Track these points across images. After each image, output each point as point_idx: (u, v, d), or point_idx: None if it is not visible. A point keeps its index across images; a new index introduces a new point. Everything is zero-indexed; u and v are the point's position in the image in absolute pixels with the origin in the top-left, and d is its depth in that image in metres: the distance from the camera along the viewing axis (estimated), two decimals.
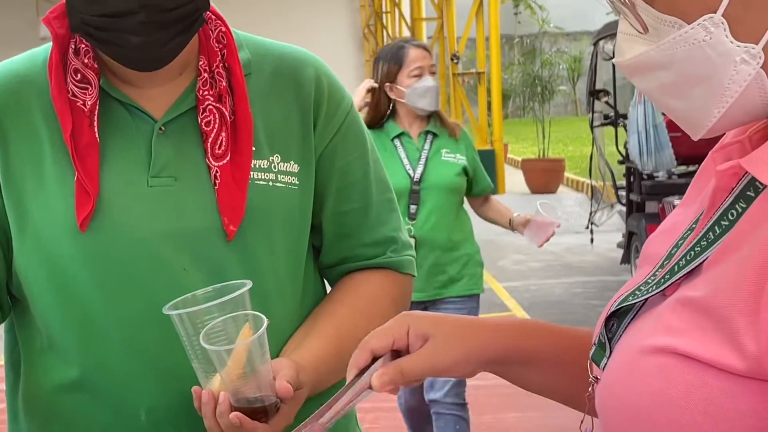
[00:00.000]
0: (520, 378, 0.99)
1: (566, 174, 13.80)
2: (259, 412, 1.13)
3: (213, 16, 1.27)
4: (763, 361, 0.62)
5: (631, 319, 0.79)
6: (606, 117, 8.62)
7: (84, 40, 1.23)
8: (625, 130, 7.73)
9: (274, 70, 1.32)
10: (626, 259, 7.85)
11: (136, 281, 1.22)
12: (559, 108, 15.50)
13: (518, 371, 0.98)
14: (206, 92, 1.24)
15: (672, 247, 0.80)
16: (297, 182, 1.30)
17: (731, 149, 0.78)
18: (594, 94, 8.65)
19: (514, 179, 14.03)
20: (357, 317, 1.32)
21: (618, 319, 0.81)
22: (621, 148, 8.00)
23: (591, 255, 9.02)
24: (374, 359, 0.91)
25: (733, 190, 0.75)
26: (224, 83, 1.25)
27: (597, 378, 0.81)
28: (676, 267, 0.76)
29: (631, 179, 7.73)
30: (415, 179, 3.20)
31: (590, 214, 8.73)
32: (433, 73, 3.25)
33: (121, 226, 1.22)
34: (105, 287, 1.23)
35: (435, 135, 3.31)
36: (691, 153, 6.84)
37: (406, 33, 20.80)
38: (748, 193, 0.73)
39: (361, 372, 0.91)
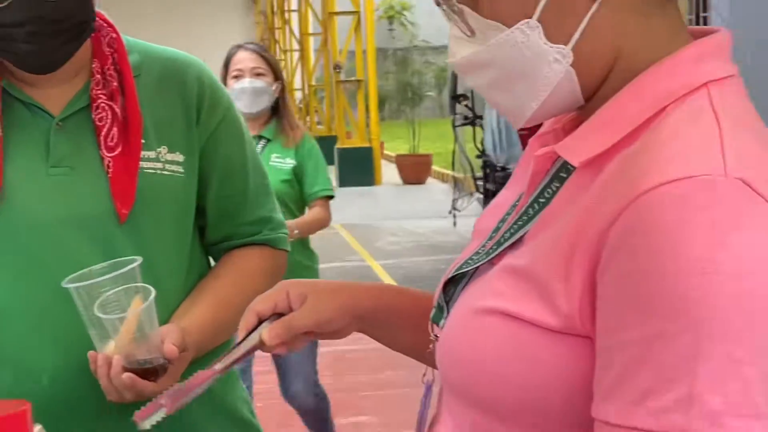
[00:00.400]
0: (385, 336, 0.99)
1: (433, 167, 14.05)
2: (149, 372, 1.13)
3: (105, 24, 1.28)
4: (574, 319, 0.63)
5: (465, 285, 0.79)
6: (466, 118, 8.75)
7: None
8: (482, 129, 7.86)
9: (161, 71, 1.32)
10: None
11: (37, 260, 1.22)
12: (428, 111, 15.81)
13: (380, 327, 0.97)
14: (99, 91, 1.25)
15: (498, 221, 0.80)
16: (182, 170, 1.30)
17: (547, 137, 0.79)
18: (455, 98, 8.76)
19: (389, 172, 14.26)
20: (236, 288, 1.33)
21: (454, 285, 0.80)
22: (478, 144, 8.07)
23: (454, 236, 9.21)
24: (260, 322, 0.90)
25: (548, 172, 0.75)
26: (115, 83, 1.26)
27: (437, 336, 0.81)
28: (501, 239, 0.76)
29: (487, 171, 7.81)
30: None
31: (453, 201, 8.92)
32: (259, 75, 2.84)
33: (23, 212, 1.23)
34: (9, 266, 1.23)
35: (268, 140, 2.93)
36: None
37: (296, 46, 20.67)
38: (561, 174, 0.73)
39: (249, 333, 0.90)
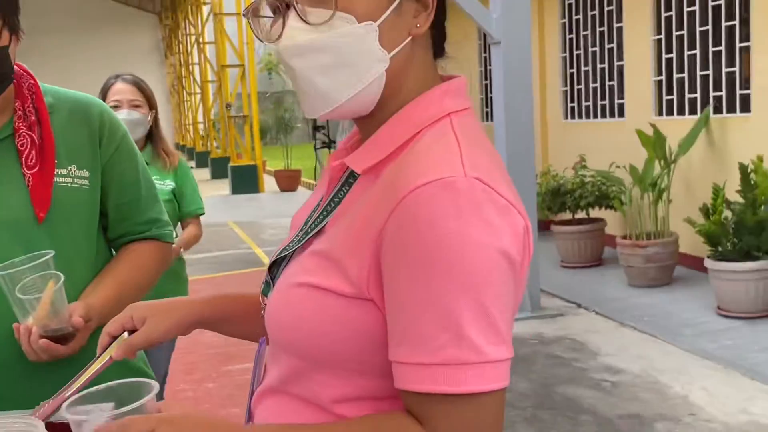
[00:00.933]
0: (223, 330, 0.96)
1: (302, 179, 14.17)
2: (60, 338, 1.11)
3: (24, 73, 1.27)
4: (362, 287, 0.65)
5: (285, 265, 0.77)
6: (323, 143, 9.24)
7: None
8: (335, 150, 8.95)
9: (71, 109, 1.30)
10: None
11: None
12: (297, 138, 16.71)
13: (220, 326, 0.95)
14: (21, 124, 1.23)
15: (308, 217, 0.79)
16: (88, 184, 1.28)
17: (340, 153, 0.79)
18: (316, 129, 9.35)
19: (269, 183, 14.50)
20: (132, 272, 1.33)
21: (277, 266, 0.78)
22: None
23: None
24: (114, 339, 0.89)
25: (340, 179, 0.75)
26: (33, 117, 1.25)
27: (265, 305, 0.79)
28: (308, 230, 0.75)
29: None
30: None
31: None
32: (136, 106, 2.39)
33: None
34: None
35: (146, 163, 2.34)
36: None
37: (198, 90, 20.84)
38: (349, 180, 0.73)
39: (104, 349, 0.89)
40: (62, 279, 1.11)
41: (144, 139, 2.47)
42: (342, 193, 0.73)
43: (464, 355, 0.60)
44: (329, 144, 9.12)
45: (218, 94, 16.46)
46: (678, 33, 5.31)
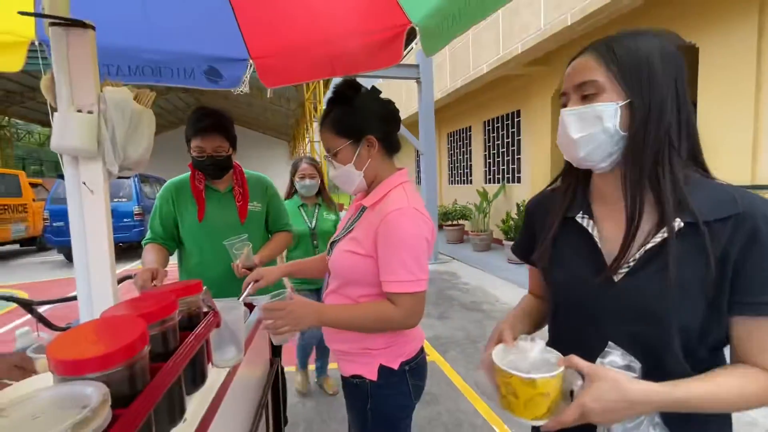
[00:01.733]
0: (303, 276, 1.72)
1: (345, 207, 17.84)
2: (249, 268, 1.98)
3: (235, 163, 2.18)
4: (370, 250, 1.36)
5: (337, 243, 1.48)
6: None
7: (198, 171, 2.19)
8: None
9: (255, 179, 2.29)
10: None
11: (218, 235, 2.20)
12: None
13: (302, 274, 1.72)
14: (235, 184, 2.21)
15: (346, 223, 1.51)
16: (260, 209, 2.25)
17: (358, 198, 1.54)
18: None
19: None
20: (276, 244, 2.30)
21: (334, 243, 1.51)
22: None
23: None
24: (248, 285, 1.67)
25: (359, 209, 1.47)
26: (240, 181, 2.28)
27: (328, 259, 1.46)
28: (346, 230, 1.46)
29: None
30: (311, 227, 3.23)
31: None
32: (312, 176, 3.21)
33: (212, 221, 2.25)
34: (208, 244, 2.22)
35: (320, 205, 3.31)
36: None
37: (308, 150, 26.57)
38: (362, 210, 1.46)
39: (245, 289, 1.65)
40: (251, 245, 2.05)
41: (317, 194, 3.32)
42: (360, 214, 1.45)
43: (408, 277, 1.32)
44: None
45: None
46: (497, 142, 10.05)
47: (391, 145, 1.51)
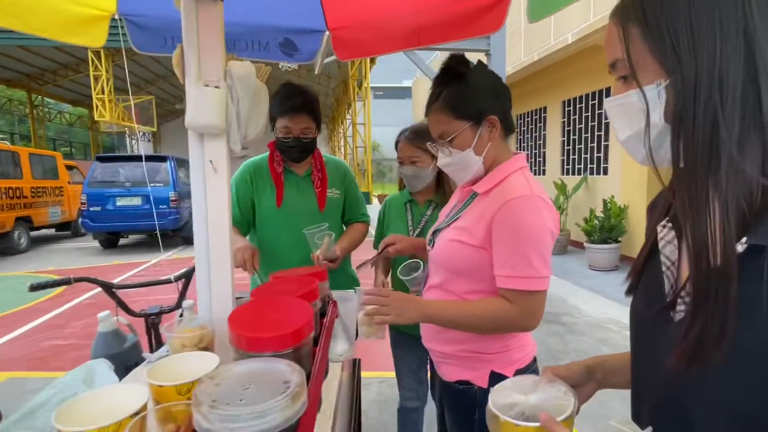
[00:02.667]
0: (419, 256, 1.86)
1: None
2: (331, 260, 2.14)
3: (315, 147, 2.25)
4: (483, 241, 1.40)
5: (439, 233, 1.54)
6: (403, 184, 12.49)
7: (278, 152, 2.29)
8: None
9: (332, 163, 2.42)
10: None
11: (294, 226, 2.32)
12: (391, 179, 27.10)
13: (421, 254, 1.89)
14: (314, 168, 2.42)
15: (449, 212, 1.57)
16: (339, 196, 2.38)
17: (466, 186, 1.55)
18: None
19: (376, 203, 21.59)
20: (354, 235, 2.42)
21: (434, 234, 1.57)
22: None
23: None
24: (388, 245, 1.84)
25: (469, 195, 1.51)
26: (319, 166, 2.40)
27: (429, 250, 1.54)
28: (451, 219, 1.51)
29: None
30: (413, 235, 2.35)
31: None
32: (416, 160, 2.25)
33: (291, 207, 2.37)
34: (284, 229, 2.35)
35: (435, 204, 2.35)
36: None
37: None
38: (473, 197, 1.49)
39: (382, 249, 1.79)
40: (333, 235, 2.12)
41: (434, 184, 2.35)
42: (469, 201, 1.50)
43: (529, 272, 1.33)
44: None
45: (355, 159, 25.50)
46: (579, 126, 9.61)
47: (509, 126, 1.50)
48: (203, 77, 1.39)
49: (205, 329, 1.30)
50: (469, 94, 1.43)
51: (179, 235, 11.04)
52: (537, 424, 0.82)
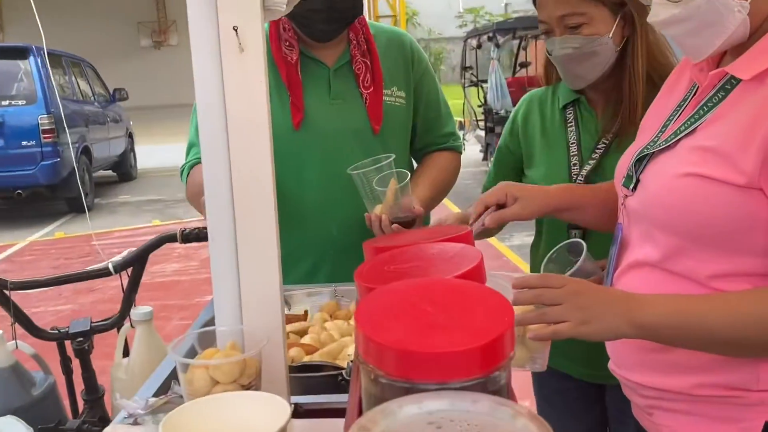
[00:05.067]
0: (568, 217, 1.18)
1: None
2: (404, 223, 1.35)
3: None
4: (753, 176, 0.81)
5: (646, 163, 0.93)
6: (472, 82, 10.16)
7: (288, 23, 1.46)
8: (483, 89, 9.64)
9: (388, 38, 1.60)
10: (485, 157, 9.59)
11: (328, 156, 1.52)
12: (446, 78, 20.18)
13: (569, 214, 1.18)
14: (355, 51, 1.53)
15: (666, 120, 0.95)
16: (404, 102, 1.58)
17: (701, 65, 0.94)
18: (464, 69, 10.32)
19: None
20: (440, 175, 1.66)
21: (638, 163, 0.95)
22: (481, 98, 9.70)
23: (464, 156, 11.13)
24: (486, 209, 1.13)
25: (715, 86, 0.90)
26: (365, 47, 1.54)
27: (626, 196, 0.94)
28: (678, 131, 0.90)
29: (487, 115, 9.37)
30: (578, 175, 1.47)
31: (462, 136, 8.41)
32: (575, 27, 1.32)
33: (317, 126, 1.52)
34: (312, 159, 1.50)
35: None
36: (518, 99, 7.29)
37: None
38: (726, 86, 0.89)
39: (478, 216, 1.13)
40: (408, 176, 1.35)
41: (618, 71, 1.39)
42: (717, 98, 0.89)
43: None
44: (477, 83, 10.02)
45: None
46: None
47: None
48: None
49: (242, 351, 0.90)
50: None
51: (61, 195, 7.01)
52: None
